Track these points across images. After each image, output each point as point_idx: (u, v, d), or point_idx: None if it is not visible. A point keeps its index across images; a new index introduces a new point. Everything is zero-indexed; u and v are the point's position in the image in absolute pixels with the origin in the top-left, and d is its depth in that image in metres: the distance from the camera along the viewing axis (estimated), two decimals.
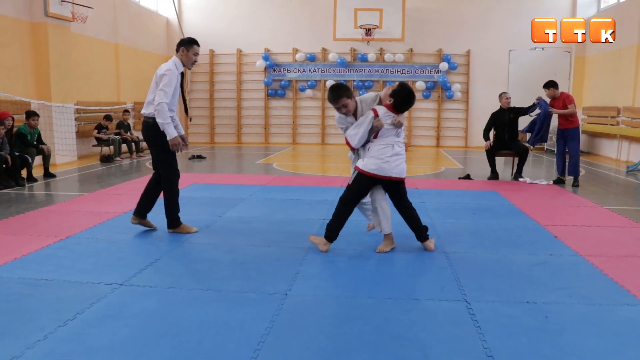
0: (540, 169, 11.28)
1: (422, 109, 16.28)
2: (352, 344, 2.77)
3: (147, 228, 5.20)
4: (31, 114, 8.62)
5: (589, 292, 3.62)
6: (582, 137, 14.40)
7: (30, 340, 2.77)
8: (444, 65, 15.70)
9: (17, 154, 8.09)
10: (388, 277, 3.90)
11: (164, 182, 4.99)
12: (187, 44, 4.86)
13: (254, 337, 2.82)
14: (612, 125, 13.25)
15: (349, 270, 4.05)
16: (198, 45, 4.94)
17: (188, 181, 8.31)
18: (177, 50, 4.87)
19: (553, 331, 2.98)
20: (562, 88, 15.61)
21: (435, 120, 16.22)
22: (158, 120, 4.63)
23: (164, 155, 4.90)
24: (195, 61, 4.98)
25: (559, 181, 8.73)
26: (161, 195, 5.11)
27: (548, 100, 8.76)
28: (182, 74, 4.91)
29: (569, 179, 8.75)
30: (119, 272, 3.90)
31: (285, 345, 2.75)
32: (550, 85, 8.71)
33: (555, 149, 9.04)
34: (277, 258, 4.33)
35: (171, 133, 4.67)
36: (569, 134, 8.65)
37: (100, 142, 11.64)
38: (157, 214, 5.32)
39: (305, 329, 2.96)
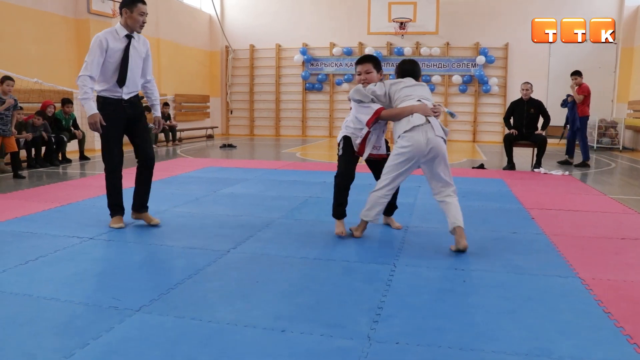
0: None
1: (458, 104, 16.21)
2: (258, 290, 3.06)
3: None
4: (66, 102, 9.40)
5: (527, 264, 3.69)
6: (628, 133, 13.96)
7: None
8: (480, 59, 15.56)
9: (52, 135, 8.86)
10: (334, 244, 4.12)
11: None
12: (129, 4, 4.10)
13: (175, 280, 3.17)
14: None
15: (301, 237, 4.32)
16: (144, 3, 4.16)
17: (203, 164, 8.80)
18: (120, 14, 4.17)
19: (461, 293, 3.09)
20: (607, 82, 15.33)
21: (471, 115, 16.11)
22: (78, 96, 4.12)
23: (102, 136, 4.30)
24: (144, 22, 4.20)
25: (567, 162, 9.96)
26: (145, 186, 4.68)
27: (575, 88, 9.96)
28: (129, 38, 4.16)
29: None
30: (95, 230, 4.36)
31: (196, 287, 3.08)
32: (576, 74, 10.06)
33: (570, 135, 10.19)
34: (241, 224, 4.67)
35: (88, 109, 4.02)
36: (582, 122, 9.93)
37: None
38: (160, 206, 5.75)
39: (223, 277, 3.28)
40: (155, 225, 4.50)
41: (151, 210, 5.15)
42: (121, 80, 4.17)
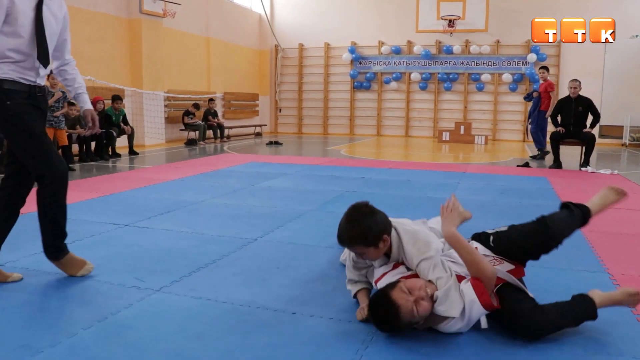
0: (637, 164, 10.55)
1: (508, 102, 15.84)
2: (278, 275, 3.14)
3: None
4: (116, 98, 9.80)
5: (555, 259, 3.50)
6: None
7: (29, 252, 3.48)
8: (532, 57, 15.14)
9: (102, 130, 9.24)
10: None
11: (41, 188, 2.88)
12: None
13: (199, 264, 3.29)
14: None
15: (330, 227, 4.28)
16: None
17: (246, 160, 8.99)
18: None
19: None
20: None
21: (521, 114, 15.68)
22: None
23: (27, 141, 2.79)
24: None
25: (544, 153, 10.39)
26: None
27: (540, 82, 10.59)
28: None
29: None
30: (131, 218, 4.55)
31: (217, 271, 3.19)
32: (544, 68, 10.65)
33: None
34: (273, 215, 4.76)
35: None
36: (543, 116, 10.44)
37: (187, 126, 12.73)
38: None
39: (246, 262, 3.38)
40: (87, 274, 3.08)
41: (188, 201, 5.35)
42: (44, 55, 2.84)
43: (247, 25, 17.01)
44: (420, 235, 2.49)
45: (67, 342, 2.21)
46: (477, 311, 2.30)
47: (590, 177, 7.80)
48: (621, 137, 14.48)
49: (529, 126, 10.83)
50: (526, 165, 9.06)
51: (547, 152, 10.12)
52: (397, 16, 16.33)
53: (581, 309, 2.38)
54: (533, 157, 10.49)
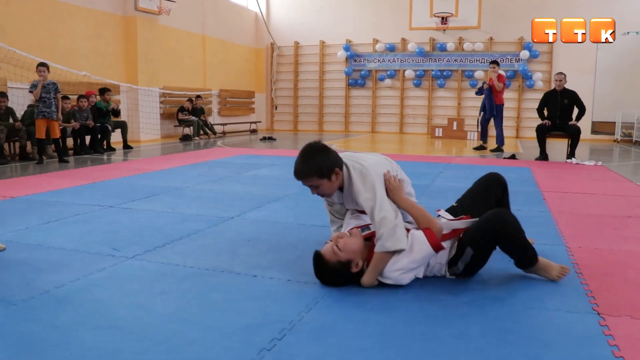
0: (628, 159, 10.68)
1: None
2: (247, 246, 3.31)
3: None
4: (105, 90, 9.95)
5: None
6: None
7: (14, 228, 3.66)
8: (524, 54, 15.29)
9: (97, 124, 9.42)
10: None
11: None
12: None
13: (174, 237, 3.46)
14: None
15: (306, 209, 4.50)
16: None
17: (237, 153, 9.16)
18: None
19: None
20: None
21: (514, 111, 15.84)
22: None
23: None
24: None
25: (481, 147, 10.76)
26: None
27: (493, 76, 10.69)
28: None
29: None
30: (116, 200, 4.73)
31: (190, 243, 3.37)
32: (494, 63, 10.84)
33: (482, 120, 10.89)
34: (253, 198, 4.93)
35: None
36: (498, 109, 10.65)
37: (181, 122, 12.91)
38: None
39: (219, 236, 3.55)
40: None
41: (173, 187, 5.52)
42: None
43: (243, 23, 17.21)
44: (368, 175, 2.63)
45: (39, 298, 2.39)
46: (424, 252, 2.54)
47: (573, 168, 7.95)
48: (613, 133, 14.61)
49: (480, 118, 10.97)
50: (512, 157, 9.22)
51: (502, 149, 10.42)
52: (391, 14, 16.50)
53: (529, 248, 2.74)
54: (477, 149, 10.81)
